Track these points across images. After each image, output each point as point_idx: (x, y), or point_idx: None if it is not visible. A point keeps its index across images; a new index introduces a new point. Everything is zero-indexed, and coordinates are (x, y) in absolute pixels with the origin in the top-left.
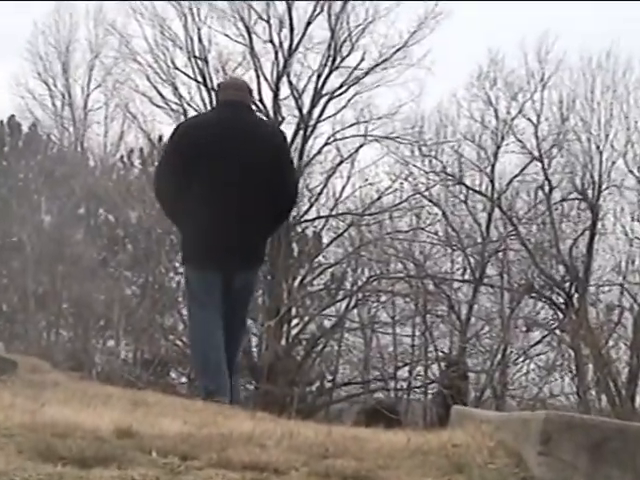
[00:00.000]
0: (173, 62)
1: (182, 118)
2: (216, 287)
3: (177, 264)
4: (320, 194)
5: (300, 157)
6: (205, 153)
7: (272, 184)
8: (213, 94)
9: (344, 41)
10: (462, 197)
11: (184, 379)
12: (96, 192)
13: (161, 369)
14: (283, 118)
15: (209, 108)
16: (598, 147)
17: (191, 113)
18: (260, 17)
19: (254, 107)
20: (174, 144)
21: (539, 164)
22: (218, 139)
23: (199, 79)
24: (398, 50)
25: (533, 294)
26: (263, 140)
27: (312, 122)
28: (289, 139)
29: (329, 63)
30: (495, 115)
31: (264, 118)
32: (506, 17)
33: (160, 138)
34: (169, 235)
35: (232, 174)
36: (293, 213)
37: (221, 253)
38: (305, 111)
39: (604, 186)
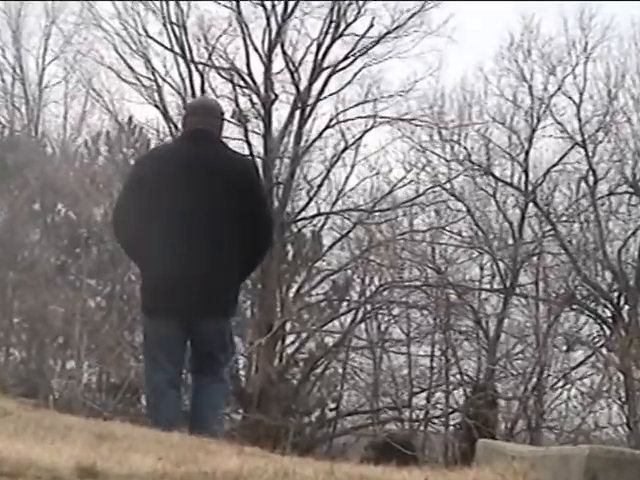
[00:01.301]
0: (145, 29)
1: (156, 96)
2: (173, 339)
3: None
4: (320, 186)
5: (297, 142)
6: (164, 189)
7: (242, 223)
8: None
9: (349, 4)
10: (490, 190)
11: None
12: (54, 184)
13: (131, 395)
14: (276, 96)
15: (177, 132)
16: None
17: (167, 90)
18: None
19: (224, 123)
20: (131, 179)
21: (582, 151)
22: (179, 174)
23: (176, 49)
24: (414, 15)
25: (575, 306)
26: (231, 174)
27: (311, 101)
28: (284, 121)
29: (331, 30)
30: (529, 92)
31: (232, 150)
32: None
33: (130, 120)
34: None
35: (194, 213)
36: (288, 208)
37: (179, 298)
38: (302, 88)
39: None
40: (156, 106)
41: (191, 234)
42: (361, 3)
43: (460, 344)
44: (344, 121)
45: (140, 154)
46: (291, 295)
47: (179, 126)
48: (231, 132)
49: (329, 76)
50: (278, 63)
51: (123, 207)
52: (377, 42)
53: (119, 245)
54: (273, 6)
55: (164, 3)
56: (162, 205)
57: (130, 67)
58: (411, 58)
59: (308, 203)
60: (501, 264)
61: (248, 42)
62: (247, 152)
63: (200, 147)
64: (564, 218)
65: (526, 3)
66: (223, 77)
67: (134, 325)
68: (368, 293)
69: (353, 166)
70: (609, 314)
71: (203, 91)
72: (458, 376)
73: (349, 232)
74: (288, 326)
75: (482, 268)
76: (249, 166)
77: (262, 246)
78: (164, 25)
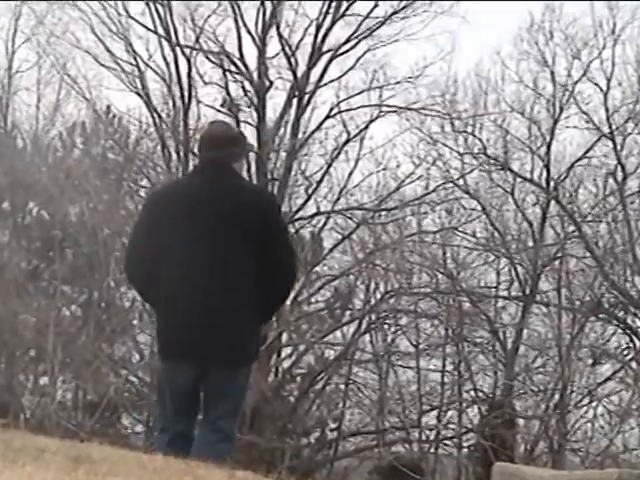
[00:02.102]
0: (126, 9)
1: (138, 83)
2: (188, 388)
3: None
4: (320, 183)
5: (294, 134)
6: (178, 231)
7: (261, 264)
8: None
9: None
10: (508, 187)
11: (140, 427)
12: (25, 180)
13: (110, 414)
14: (271, 83)
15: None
16: None
17: (150, 76)
18: None
19: (241, 154)
20: (142, 219)
21: (609, 143)
22: (192, 214)
23: (160, 31)
24: None
25: (601, 315)
26: (249, 213)
27: (309, 88)
28: (279, 110)
29: (332, 10)
30: (551, 79)
31: (248, 181)
32: None
33: (108, 109)
34: (120, 237)
35: (210, 255)
36: (285, 207)
37: (195, 346)
38: (300, 74)
39: None
40: (138, 94)
41: (207, 278)
42: None
43: (474, 357)
44: (346, 110)
45: (151, 191)
46: (288, 303)
47: (163, 116)
48: None
49: (329, 61)
50: (273, 46)
51: (135, 249)
52: (383, 23)
53: (132, 289)
54: None
55: None
56: (176, 247)
57: (109, 51)
58: (420, 41)
59: (307, 201)
60: (520, 269)
61: (240, 23)
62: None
63: (215, 184)
64: (590, 218)
65: None
66: (212, 62)
67: (113, 336)
68: (373, 301)
69: (357, 160)
70: (639, 324)
71: (190, 77)
72: (472, 393)
73: (352, 233)
74: (284, 337)
75: (499, 273)
76: (269, 202)
77: (283, 289)
78: (147, 4)
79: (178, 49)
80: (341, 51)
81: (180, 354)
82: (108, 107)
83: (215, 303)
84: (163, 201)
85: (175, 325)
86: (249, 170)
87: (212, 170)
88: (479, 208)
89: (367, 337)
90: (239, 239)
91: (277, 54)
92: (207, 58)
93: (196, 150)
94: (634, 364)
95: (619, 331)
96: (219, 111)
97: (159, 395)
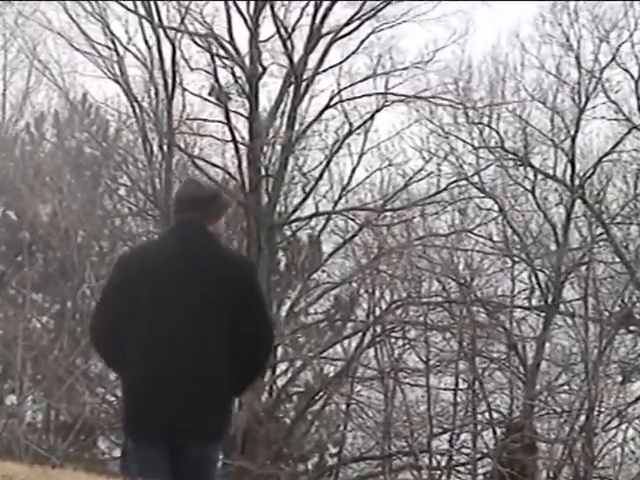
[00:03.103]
0: None
1: (116, 68)
2: (158, 465)
3: None
4: (319, 180)
5: (291, 125)
6: (148, 297)
7: (236, 333)
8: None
9: None
10: (528, 185)
11: (118, 452)
12: None
13: (85, 437)
14: (264, 69)
15: (162, 231)
16: None
17: (129, 61)
18: None
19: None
20: (112, 282)
21: None
22: (164, 281)
23: (141, 11)
24: None
25: (632, 327)
26: (225, 282)
27: (308, 74)
28: (274, 99)
29: None
30: (577, 64)
31: (225, 247)
32: None
33: (84, 97)
34: (97, 240)
35: (180, 324)
36: (281, 207)
37: (162, 420)
38: (297, 59)
39: None
40: (116, 81)
41: (177, 349)
42: None
43: (491, 374)
44: (348, 99)
45: (124, 253)
46: (283, 314)
47: (144, 106)
48: (209, 113)
49: (330, 44)
50: (267, 28)
51: (102, 313)
52: (389, 2)
53: (97, 354)
54: None
55: None
56: (145, 315)
57: (84, 33)
58: (431, 22)
59: (304, 200)
60: (541, 275)
61: (230, 2)
62: (230, 138)
63: (191, 250)
64: (619, 219)
65: None
66: (199, 45)
67: (89, 351)
68: (377, 311)
69: (360, 155)
70: None
71: (174, 62)
72: (488, 413)
73: (354, 236)
74: (279, 352)
75: (517, 280)
76: (248, 271)
77: (258, 364)
78: None
79: (161, 31)
80: (342, 33)
81: (148, 430)
82: (83, 95)
83: (188, 379)
84: (136, 265)
85: (147, 404)
86: (240, 166)
87: (188, 234)
88: (496, 208)
89: (371, 352)
90: (214, 310)
91: (271, 37)
92: (193, 41)
93: (172, 211)
94: None
95: None
96: (206, 100)
97: (126, 471)
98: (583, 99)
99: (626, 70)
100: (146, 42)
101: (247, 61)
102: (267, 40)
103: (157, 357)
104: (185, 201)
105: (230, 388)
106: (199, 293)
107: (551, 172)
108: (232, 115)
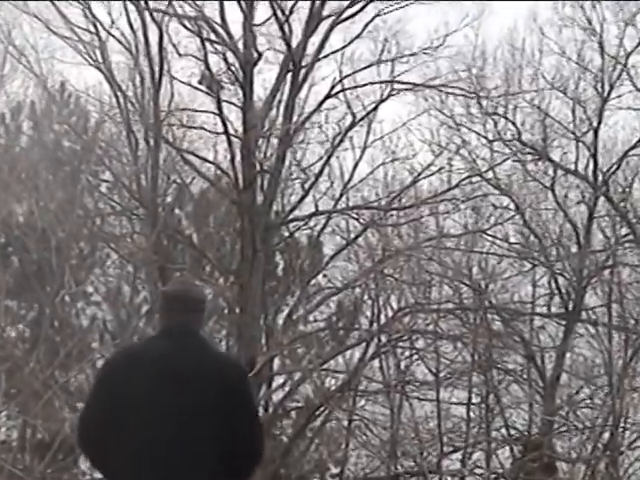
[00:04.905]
0: None
1: (98, 54)
2: None
3: (90, 289)
4: (319, 176)
5: (289, 117)
6: (132, 403)
7: (222, 445)
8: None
9: None
10: (547, 181)
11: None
12: None
13: (64, 457)
14: (259, 54)
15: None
16: None
17: (113, 46)
18: None
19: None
20: (98, 385)
21: None
22: (152, 387)
23: None
24: None
25: None
26: (214, 386)
27: (307, 61)
28: (270, 88)
29: None
30: (600, 49)
31: (219, 353)
32: None
33: (63, 86)
34: (77, 241)
35: (165, 433)
36: (276, 206)
37: None
38: (296, 44)
39: None
40: (98, 68)
41: (161, 462)
42: None
43: (506, 387)
44: (351, 88)
45: (112, 355)
46: (280, 321)
47: (129, 95)
48: (200, 104)
49: (331, 28)
50: (262, 10)
51: (88, 418)
52: None
53: (84, 457)
54: None
55: None
56: (131, 422)
57: (63, 16)
58: (442, 3)
59: (303, 198)
60: (561, 280)
61: None
62: (222, 130)
63: (184, 354)
64: None
65: None
66: (188, 29)
67: (69, 362)
68: (383, 319)
69: (363, 149)
70: None
71: (161, 48)
72: (504, 430)
73: (358, 237)
74: (276, 363)
75: (536, 285)
76: (239, 380)
77: (244, 474)
78: None
79: (147, 14)
80: (345, 16)
81: None
82: (62, 84)
83: None
84: (123, 369)
85: None
86: (233, 161)
87: (181, 339)
88: (512, 206)
89: (376, 363)
90: (202, 421)
91: (267, 19)
92: (182, 25)
93: (159, 311)
94: None
95: None
96: (196, 89)
97: None
98: (607, 88)
99: None
100: (131, 26)
101: (241, 46)
102: (263, 23)
103: (141, 470)
104: (177, 302)
105: None
106: (189, 404)
107: (572, 167)
108: (224, 105)
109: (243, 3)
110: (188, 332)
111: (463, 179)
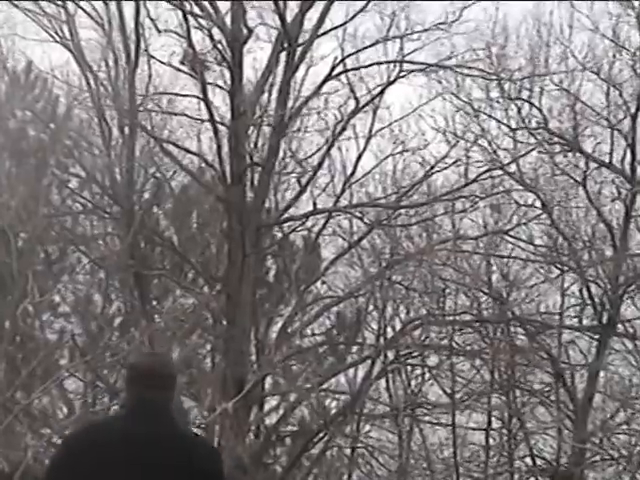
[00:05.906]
0: None
1: (66, 31)
2: None
3: (57, 298)
4: (318, 169)
5: (283, 102)
6: None
7: None
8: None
9: None
10: (578, 175)
11: None
12: None
13: None
14: (250, 31)
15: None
16: None
17: (82, 21)
18: None
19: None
20: (52, 466)
21: None
22: (112, 467)
23: None
24: None
25: None
26: (181, 469)
27: (304, 38)
28: (262, 69)
29: None
30: (637, 25)
31: (191, 433)
32: None
33: (28, 67)
34: (43, 244)
35: None
36: (269, 204)
37: None
38: (291, 18)
39: None
40: (65, 45)
41: None
42: None
43: (532, 410)
44: (354, 69)
45: (69, 435)
46: (273, 335)
47: (101, 77)
48: (182, 87)
49: (331, 2)
50: None
51: None
52: None
53: None
54: None
55: None
56: None
57: None
58: None
59: (299, 195)
60: (594, 288)
61: None
62: (207, 117)
63: (153, 434)
64: None
65: None
66: (169, 2)
67: (33, 382)
68: (391, 333)
69: (368, 138)
70: None
71: (137, 23)
72: (528, 459)
73: (362, 239)
74: (268, 383)
75: (565, 294)
76: (209, 458)
77: None
78: None
79: None
80: None
81: None
82: (29, 64)
83: None
84: (83, 448)
85: None
86: (219, 152)
87: (151, 417)
88: (538, 204)
89: (382, 383)
90: None
91: None
92: None
93: (125, 384)
94: None
95: None
96: (178, 70)
97: None
98: None
99: None
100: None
101: (228, 22)
102: None
103: None
104: (146, 378)
105: None
106: None
107: (606, 159)
108: (210, 89)
109: None
110: (156, 412)
111: (482, 173)
